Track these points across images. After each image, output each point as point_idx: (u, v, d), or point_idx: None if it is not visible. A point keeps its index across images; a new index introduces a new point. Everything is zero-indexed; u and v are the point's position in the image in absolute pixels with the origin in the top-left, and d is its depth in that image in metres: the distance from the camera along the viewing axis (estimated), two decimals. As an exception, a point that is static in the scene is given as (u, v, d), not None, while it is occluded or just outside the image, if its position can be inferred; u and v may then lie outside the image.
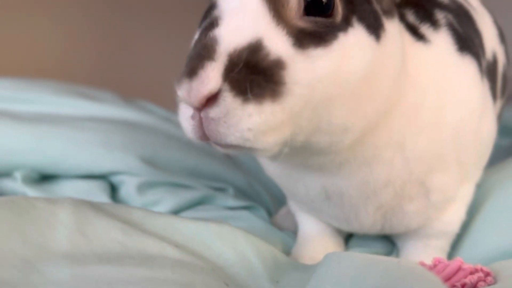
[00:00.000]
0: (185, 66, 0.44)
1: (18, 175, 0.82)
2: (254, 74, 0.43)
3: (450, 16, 0.62)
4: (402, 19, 0.58)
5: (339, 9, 0.47)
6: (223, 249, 0.55)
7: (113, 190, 0.85)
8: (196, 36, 0.48)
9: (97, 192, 0.81)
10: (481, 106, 0.61)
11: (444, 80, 0.58)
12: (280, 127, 0.44)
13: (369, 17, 0.49)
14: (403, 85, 0.54)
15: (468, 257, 0.60)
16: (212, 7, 0.48)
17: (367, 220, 0.62)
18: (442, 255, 0.67)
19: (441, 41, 0.59)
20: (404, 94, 0.54)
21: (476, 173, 0.68)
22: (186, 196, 0.80)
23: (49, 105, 0.98)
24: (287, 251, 0.70)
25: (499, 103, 0.75)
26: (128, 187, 0.83)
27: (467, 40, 0.62)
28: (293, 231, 0.77)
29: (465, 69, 0.60)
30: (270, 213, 0.84)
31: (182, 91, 0.42)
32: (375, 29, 0.49)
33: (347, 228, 0.67)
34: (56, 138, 0.86)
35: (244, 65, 0.43)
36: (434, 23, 0.60)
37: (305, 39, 0.45)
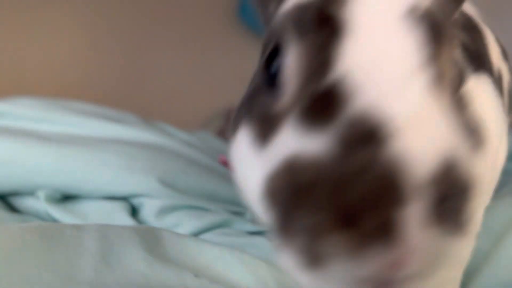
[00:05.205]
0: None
1: (41, 194, 0.85)
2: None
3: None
4: None
5: None
6: (244, 274, 0.57)
7: (134, 212, 0.87)
8: None
9: (120, 213, 0.83)
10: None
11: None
12: None
13: None
14: None
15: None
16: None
17: None
18: (454, 285, 0.66)
19: None
20: None
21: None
22: (205, 219, 0.81)
23: (74, 126, 1.01)
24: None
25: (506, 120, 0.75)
26: (148, 210, 0.84)
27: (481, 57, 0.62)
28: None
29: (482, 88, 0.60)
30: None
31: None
32: None
33: None
34: (80, 160, 0.89)
35: None
36: None
37: None
